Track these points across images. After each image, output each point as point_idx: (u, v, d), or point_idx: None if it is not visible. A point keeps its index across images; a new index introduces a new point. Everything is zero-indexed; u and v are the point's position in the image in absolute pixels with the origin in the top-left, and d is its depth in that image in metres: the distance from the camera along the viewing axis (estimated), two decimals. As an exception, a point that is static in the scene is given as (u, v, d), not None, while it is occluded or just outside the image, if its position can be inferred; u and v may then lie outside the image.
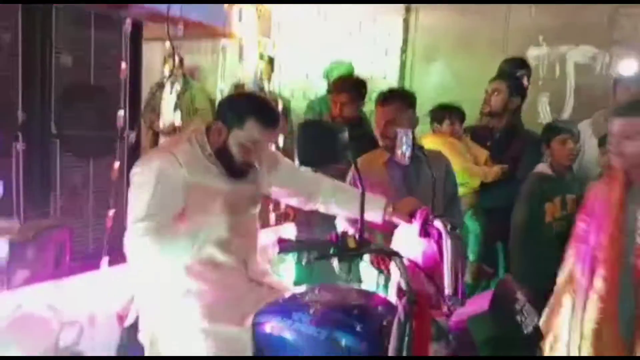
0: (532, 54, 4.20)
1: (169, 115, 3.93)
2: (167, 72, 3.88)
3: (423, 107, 2.97)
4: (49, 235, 1.99)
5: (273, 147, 2.86)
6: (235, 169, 1.97)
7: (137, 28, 2.66)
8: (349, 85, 3.45)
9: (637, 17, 3.93)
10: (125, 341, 2.09)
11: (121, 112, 2.42)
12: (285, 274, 2.83)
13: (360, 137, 2.87)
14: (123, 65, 2.39)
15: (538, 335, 1.54)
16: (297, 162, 2.11)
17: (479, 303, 1.59)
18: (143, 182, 1.83)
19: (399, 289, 1.53)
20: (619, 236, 1.93)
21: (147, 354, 1.98)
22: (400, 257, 1.54)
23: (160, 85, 4.13)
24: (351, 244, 1.45)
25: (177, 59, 3.69)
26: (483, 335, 1.46)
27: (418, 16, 4.59)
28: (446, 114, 3.38)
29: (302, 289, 2.07)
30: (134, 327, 2.06)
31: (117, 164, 2.13)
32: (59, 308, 1.92)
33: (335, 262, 1.53)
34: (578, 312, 1.94)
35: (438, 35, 4.52)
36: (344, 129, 1.69)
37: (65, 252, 2.05)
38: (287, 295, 1.99)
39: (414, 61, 4.63)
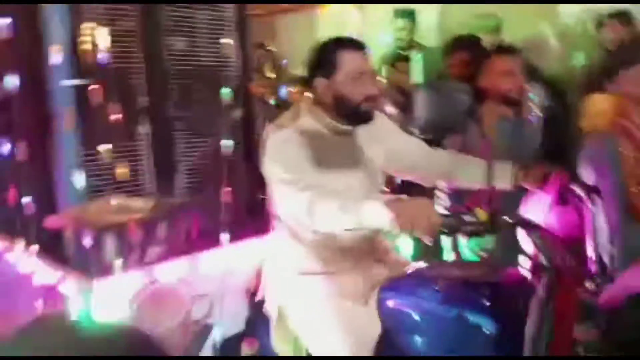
0: None
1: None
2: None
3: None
4: (179, 214, 2.09)
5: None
6: (360, 111, 1.89)
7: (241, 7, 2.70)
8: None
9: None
10: (252, 313, 2.17)
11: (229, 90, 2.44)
12: (403, 249, 2.75)
13: None
14: (231, 42, 2.42)
15: None
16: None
17: (632, 279, 1.40)
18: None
19: (536, 265, 1.39)
20: None
21: (273, 326, 2.02)
22: (539, 229, 1.39)
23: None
24: (482, 216, 1.32)
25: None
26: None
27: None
28: None
29: (425, 264, 1.99)
30: (261, 300, 2.11)
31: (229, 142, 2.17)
32: (191, 282, 2.02)
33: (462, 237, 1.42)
34: None
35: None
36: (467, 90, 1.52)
37: (193, 229, 2.14)
38: (410, 270, 1.92)
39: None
